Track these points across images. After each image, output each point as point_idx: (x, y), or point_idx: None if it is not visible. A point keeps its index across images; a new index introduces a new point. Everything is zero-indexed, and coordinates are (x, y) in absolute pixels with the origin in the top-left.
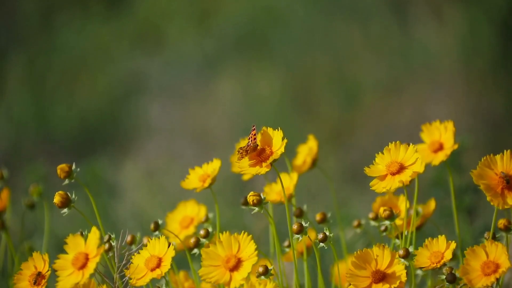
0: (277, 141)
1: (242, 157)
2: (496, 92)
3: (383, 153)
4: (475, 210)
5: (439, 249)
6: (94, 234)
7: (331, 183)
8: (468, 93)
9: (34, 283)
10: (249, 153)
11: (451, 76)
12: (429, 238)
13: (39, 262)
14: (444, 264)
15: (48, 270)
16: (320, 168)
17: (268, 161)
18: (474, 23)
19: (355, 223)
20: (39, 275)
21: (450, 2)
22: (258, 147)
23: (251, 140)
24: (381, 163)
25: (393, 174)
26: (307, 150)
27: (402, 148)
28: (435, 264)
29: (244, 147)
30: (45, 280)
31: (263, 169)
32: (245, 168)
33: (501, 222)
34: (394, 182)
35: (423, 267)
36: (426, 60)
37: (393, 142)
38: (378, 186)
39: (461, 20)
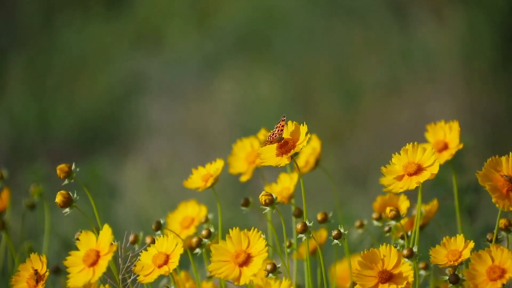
0: (301, 135)
1: (265, 145)
2: (496, 92)
3: (399, 154)
4: (475, 210)
5: (457, 247)
6: (106, 231)
7: (333, 183)
8: (468, 93)
9: (37, 282)
10: (272, 143)
11: (451, 76)
12: (447, 237)
13: (37, 264)
14: (461, 263)
15: (46, 271)
16: (322, 168)
17: (289, 154)
18: (474, 23)
19: (357, 223)
20: (36, 273)
21: (450, 2)
22: (283, 139)
23: (278, 131)
24: (398, 163)
25: (410, 175)
26: (310, 150)
27: (419, 149)
28: (452, 262)
29: (270, 135)
30: (44, 281)
31: (284, 161)
32: (266, 159)
33: (502, 222)
34: (411, 183)
35: (440, 264)
36: (426, 60)
37: (394, 143)
38: (395, 186)
39: (461, 20)
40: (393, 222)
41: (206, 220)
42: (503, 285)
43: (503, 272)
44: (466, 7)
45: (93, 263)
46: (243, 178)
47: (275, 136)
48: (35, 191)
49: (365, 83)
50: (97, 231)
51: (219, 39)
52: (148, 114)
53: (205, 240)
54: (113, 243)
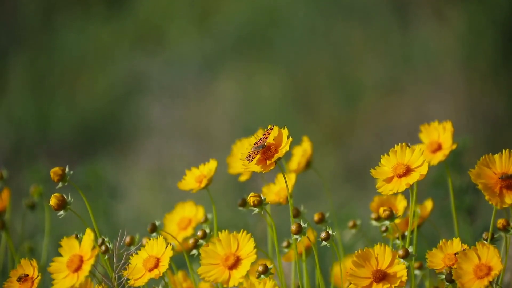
0: (283, 140)
1: (250, 156)
2: (496, 92)
3: (388, 155)
4: (475, 210)
5: (454, 251)
6: (88, 236)
7: (326, 184)
8: (469, 93)
9: (19, 280)
10: (257, 149)
11: (451, 76)
12: (444, 240)
13: (28, 269)
14: None
15: (37, 276)
16: (315, 170)
17: (273, 159)
18: (475, 23)
19: (351, 223)
20: (21, 278)
21: (450, 2)
22: (265, 146)
23: (263, 138)
24: (387, 164)
25: (400, 176)
26: (301, 152)
27: (408, 150)
28: (448, 267)
29: (255, 143)
30: (36, 285)
31: (267, 167)
32: (250, 166)
33: (500, 222)
34: (401, 185)
35: (437, 269)
36: (427, 60)
37: (394, 143)
38: (384, 188)
39: (461, 20)
40: (387, 222)
41: (205, 220)
42: (490, 282)
43: (489, 270)
44: (466, 7)
45: (77, 269)
46: (242, 178)
47: (260, 143)
48: (35, 191)
49: (365, 83)
50: (93, 232)
51: (220, 39)
52: (148, 114)
53: (201, 241)
54: (95, 248)
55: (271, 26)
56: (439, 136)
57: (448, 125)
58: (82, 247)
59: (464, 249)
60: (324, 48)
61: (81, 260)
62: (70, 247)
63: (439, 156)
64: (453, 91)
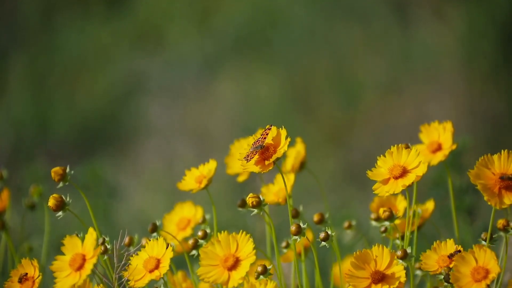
0: (281, 140)
1: (249, 156)
2: (496, 92)
3: (384, 156)
4: (475, 210)
5: (448, 252)
6: (90, 235)
7: (321, 185)
8: (469, 93)
9: (20, 281)
10: (255, 150)
11: (451, 76)
12: (438, 241)
13: (28, 268)
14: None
15: (38, 276)
16: (309, 171)
17: (271, 160)
18: (475, 23)
19: (346, 224)
20: (22, 278)
21: (450, 2)
22: (263, 147)
23: (262, 138)
24: (383, 166)
25: (396, 178)
26: (294, 154)
27: (404, 151)
28: (442, 268)
29: (254, 143)
30: (37, 285)
31: (265, 167)
32: (248, 166)
33: (500, 222)
34: (397, 186)
35: (431, 271)
36: (427, 60)
37: (394, 143)
38: (381, 190)
39: (461, 20)
40: (387, 223)
41: (203, 221)
42: (487, 285)
43: (487, 272)
44: (466, 7)
45: (80, 267)
46: (240, 179)
47: (259, 143)
48: (34, 191)
49: (365, 83)
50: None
51: (219, 39)
52: (148, 114)
53: (201, 241)
54: (97, 247)
55: (271, 26)
56: (439, 136)
57: (448, 125)
58: (84, 246)
59: (459, 250)
60: (323, 48)
61: (84, 259)
62: (73, 245)
63: (439, 156)
64: (453, 91)
